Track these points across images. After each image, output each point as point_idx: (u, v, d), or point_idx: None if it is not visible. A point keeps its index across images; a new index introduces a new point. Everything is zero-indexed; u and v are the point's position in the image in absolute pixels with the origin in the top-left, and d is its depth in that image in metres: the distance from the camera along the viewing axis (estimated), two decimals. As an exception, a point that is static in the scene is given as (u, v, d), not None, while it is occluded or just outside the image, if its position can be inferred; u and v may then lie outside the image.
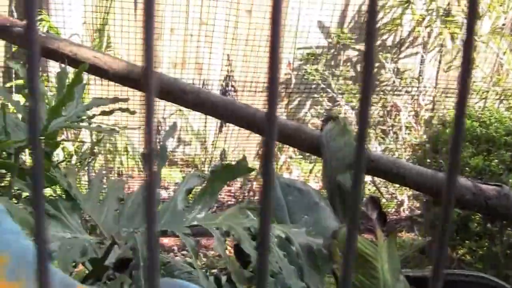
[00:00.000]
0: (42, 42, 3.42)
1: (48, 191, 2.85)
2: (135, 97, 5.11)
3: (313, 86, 7.01)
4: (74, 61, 3.35)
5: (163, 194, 5.67)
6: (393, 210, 6.25)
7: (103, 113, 3.03)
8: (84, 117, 3.07)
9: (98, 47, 6.49)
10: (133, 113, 3.16)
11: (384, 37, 7.23)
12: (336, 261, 2.26)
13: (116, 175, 5.98)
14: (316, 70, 6.83)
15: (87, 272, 2.72)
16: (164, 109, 6.54)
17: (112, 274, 3.10)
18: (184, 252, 5.07)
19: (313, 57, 7.06)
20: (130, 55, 6.31)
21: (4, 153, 2.73)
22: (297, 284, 1.97)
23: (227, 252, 2.57)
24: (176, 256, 4.98)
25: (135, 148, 6.24)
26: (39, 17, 5.91)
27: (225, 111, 3.48)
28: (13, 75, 6.57)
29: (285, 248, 2.14)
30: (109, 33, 6.65)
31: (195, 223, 2.31)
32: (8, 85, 6.19)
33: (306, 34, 6.98)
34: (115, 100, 3.15)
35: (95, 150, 4.77)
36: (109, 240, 2.24)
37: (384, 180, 5.73)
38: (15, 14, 6.53)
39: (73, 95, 2.72)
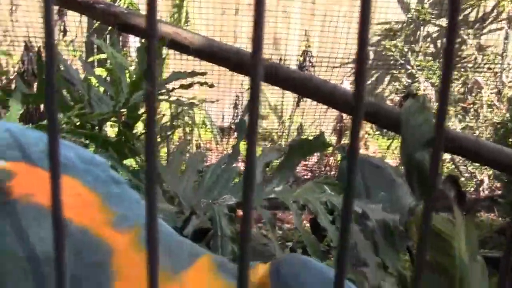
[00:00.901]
0: (124, 18, 3.50)
1: (130, 162, 2.94)
2: (213, 71, 5.19)
3: (392, 62, 6.91)
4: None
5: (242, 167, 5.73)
6: (472, 189, 6.12)
7: (182, 86, 3.10)
8: (163, 91, 3.15)
9: (177, 22, 6.58)
10: (211, 86, 3.21)
11: (466, 12, 7.04)
12: (412, 238, 2.25)
13: (194, 147, 6.09)
14: (395, 45, 6.72)
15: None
16: (242, 83, 6.59)
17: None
18: (260, 225, 5.13)
19: (391, 33, 6.95)
20: (209, 30, 6.39)
21: (88, 124, 2.83)
22: (372, 259, 1.98)
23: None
24: (252, 228, 5.05)
25: (213, 121, 6.33)
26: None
27: (303, 86, 3.49)
28: (95, 50, 6.76)
29: (361, 223, 2.15)
30: (187, 8, 6.73)
31: (273, 196, 2.35)
32: (90, 59, 6.37)
33: (385, 9, 6.87)
34: (193, 74, 3.20)
35: (174, 123, 4.87)
36: (188, 210, 2.30)
37: (463, 159, 5.63)
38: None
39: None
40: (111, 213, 0.64)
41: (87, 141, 3.19)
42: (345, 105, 3.31)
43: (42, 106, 4.50)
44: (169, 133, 4.24)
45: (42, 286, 0.59)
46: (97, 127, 2.79)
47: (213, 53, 3.43)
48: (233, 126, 6.37)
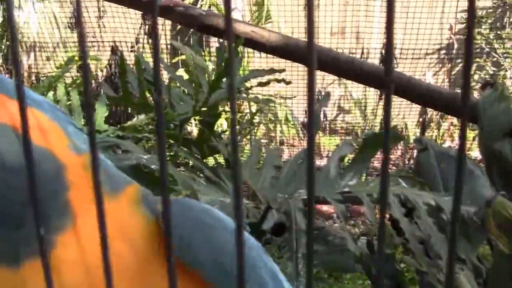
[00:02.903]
0: (202, 20, 3.61)
1: (211, 160, 3.04)
2: (292, 68, 5.23)
3: (477, 50, 6.75)
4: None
5: (323, 162, 5.76)
6: None
7: (260, 84, 3.17)
8: (242, 89, 3.23)
9: (258, 20, 6.67)
10: (288, 83, 3.27)
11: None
12: (489, 230, 2.23)
13: (277, 144, 6.16)
14: (480, 33, 6.56)
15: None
16: (323, 78, 6.60)
17: (269, 238, 3.25)
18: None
19: (476, 20, 6.78)
20: (289, 27, 6.43)
21: (170, 124, 2.94)
22: (447, 252, 1.98)
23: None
24: (335, 223, 5.07)
25: (295, 117, 6.37)
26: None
27: (381, 80, 3.49)
28: (179, 51, 6.95)
29: (435, 216, 2.15)
30: (268, 6, 6.80)
31: (347, 189, 2.38)
32: (174, 60, 6.54)
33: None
34: (271, 71, 3.26)
35: (254, 120, 4.95)
36: (265, 205, 2.37)
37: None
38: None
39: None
40: (69, 141, 0.77)
41: (170, 141, 3.32)
42: (420, 97, 3.29)
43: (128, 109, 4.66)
44: (250, 129, 4.32)
45: None
46: (178, 126, 2.90)
47: (289, 50, 3.48)
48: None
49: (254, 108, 5.77)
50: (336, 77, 6.24)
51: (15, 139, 0.73)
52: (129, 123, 2.48)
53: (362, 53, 6.70)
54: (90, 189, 0.79)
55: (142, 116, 2.52)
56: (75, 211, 0.74)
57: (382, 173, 0.35)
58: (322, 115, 6.37)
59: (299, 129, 6.33)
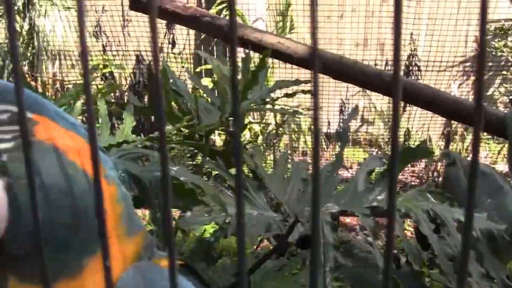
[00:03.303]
0: (227, 30, 3.60)
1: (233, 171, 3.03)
2: (321, 79, 5.20)
3: (502, 62, 6.69)
4: (258, 47, 3.50)
5: (347, 174, 5.73)
6: None
7: (286, 95, 3.16)
8: (268, 100, 3.23)
9: (282, 30, 6.67)
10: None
11: None
12: (520, 247, 2.20)
13: (300, 154, 6.14)
14: (506, 45, 6.51)
15: (271, 247, 2.87)
16: (347, 90, 6.58)
17: (295, 250, 3.24)
18: (366, 232, 5.11)
19: (501, 32, 6.73)
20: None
21: (196, 135, 2.95)
22: (476, 269, 1.96)
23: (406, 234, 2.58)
24: (358, 235, 5.04)
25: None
26: (223, 5, 6.20)
27: (405, 92, 3.46)
28: (203, 60, 6.96)
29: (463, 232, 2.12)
30: (292, 17, 6.80)
31: (375, 204, 2.36)
32: (198, 69, 6.56)
33: (494, 4, 6.66)
34: (297, 82, 3.26)
35: (279, 131, 4.94)
36: (292, 218, 2.36)
37: None
38: (203, 4, 6.91)
39: (258, 79, 2.87)
40: (104, 169, 0.82)
41: (195, 151, 3.32)
42: (446, 110, 3.26)
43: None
44: (274, 141, 4.31)
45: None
46: (204, 137, 2.89)
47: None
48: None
49: (277, 119, 5.78)
50: (359, 88, 6.22)
51: (63, 161, 0.76)
52: (156, 133, 2.48)
53: (386, 64, 6.67)
54: (112, 222, 0.81)
55: (169, 127, 2.52)
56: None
57: (389, 188, 0.34)
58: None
59: (322, 140, 6.31)
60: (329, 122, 6.64)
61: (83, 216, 0.77)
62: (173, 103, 2.86)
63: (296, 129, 5.93)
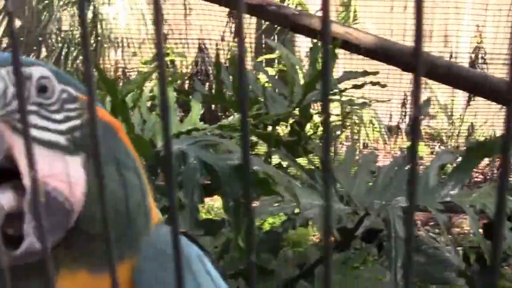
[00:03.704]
0: (295, 19, 3.56)
1: (302, 161, 2.99)
2: (383, 71, 5.12)
3: None
4: (326, 36, 3.44)
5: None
6: None
7: (355, 86, 3.09)
8: (335, 91, 3.17)
9: (345, 20, 6.58)
10: (383, 86, 3.19)
11: None
12: None
13: (361, 146, 6.07)
14: None
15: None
16: (410, 82, 6.45)
17: (359, 244, 3.19)
18: (427, 228, 5.01)
19: None
20: (377, 29, 6.31)
21: (260, 124, 2.91)
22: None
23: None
24: (419, 231, 4.94)
25: (381, 120, 6.25)
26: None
27: (476, 85, 3.36)
28: (263, 50, 6.93)
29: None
30: (355, 7, 6.71)
31: (448, 199, 2.29)
32: (259, 59, 6.53)
33: None
34: (365, 73, 3.19)
35: (345, 123, 4.88)
36: (362, 211, 2.31)
37: None
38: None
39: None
40: None
41: (259, 140, 3.29)
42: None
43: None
44: (339, 132, 4.26)
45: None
46: (270, 127, 2.86)
47: (385, 53, 3.39)
48: (401, 126, 6.26)
49: (337, 111, 5.71)
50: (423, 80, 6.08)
51: (117, 137, 0.79)
52: (224, 121, 2.46)
53: (451, 57, 6.51)
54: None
55: (238, 115, 2.50)
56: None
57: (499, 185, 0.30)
58: (408, 119, 6.23)
59: (384, 132, 6.21)
60: (391, 115, 6.54)
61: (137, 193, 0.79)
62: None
63: (357, 121, 5.84)
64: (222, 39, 6.86)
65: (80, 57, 6.96)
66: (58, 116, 0.74)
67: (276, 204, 2.23)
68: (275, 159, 2.86)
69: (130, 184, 0.77)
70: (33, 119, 0.72)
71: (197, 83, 3.04)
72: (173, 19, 7.00)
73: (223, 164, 1.79)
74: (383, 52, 3.40)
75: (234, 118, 2.47)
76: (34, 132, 0.71)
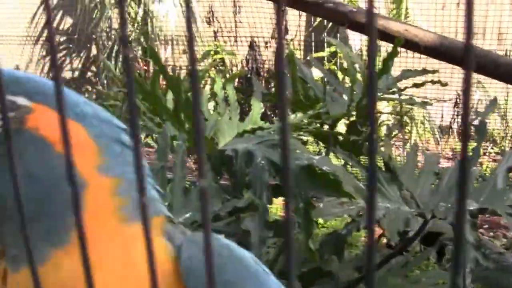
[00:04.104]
0: (352, 17, 3.51)
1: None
2: (444, 69, 5.02)
3: None
4: (384, 35, 3.38)
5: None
6: None
7: (415, 85, 3.03)
8: (394, 89, 3.11)
9: (396, 17, 6.48)
10: (444, 85, 3.11)
11: None
12: None
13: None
14: None
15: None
16: (459, 81, 6.31)
17: (418, 246, 3.12)
18: (481, 231, 4.90)
19: None
20: (430, 26, 6.20)
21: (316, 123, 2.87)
22: None
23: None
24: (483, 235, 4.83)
25: (432, 120, 6.15)
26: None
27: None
28: (312, 48, 6.88)
29: None
30: (407, 4, 6.60)
31: (517, 202, 2.22)
32: (308, 57, 6.47)
33: None
34: (424, 72, 3.13)
35: (402, 122, 4.80)
36: (428, 214, 2.24)
37: None
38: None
39: (389, 68, 2.76)
40: (102, 161, 0.80)
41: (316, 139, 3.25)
42: None
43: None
44: (395, 132, 4.18)
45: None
46: (330, 126, 2.82)
47: (446, 51, 3.32)
48: (453, 126, 6.14)
49: (388, 109, 5.63)
50: (475, 79, 5.97)
51: (47, 150, 0.78)
52: (293, 120, 2.43)
53: (506, 54, 6.36)
54: (104, 214, 0.80)
55: (300, 114, 2.46)
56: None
57: None
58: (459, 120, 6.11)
59: (435, 132, 6.10)
60: (442, 115, 6.42)
61: (54, 204, 0.78)
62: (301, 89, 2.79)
63: (408, 121, 5.75)
64: (272, 37, 6.83)
65: (130, 55, 7.00)
66: None
67: (339, 206, 2.19)
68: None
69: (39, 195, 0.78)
70: None
71: (255, 81, 3.01)
72: (222, 17, 7.00)
73: (291, 164, 1.76)
74: (444, 50, 3.32)
75: (296, 117, 2.43)
76: None
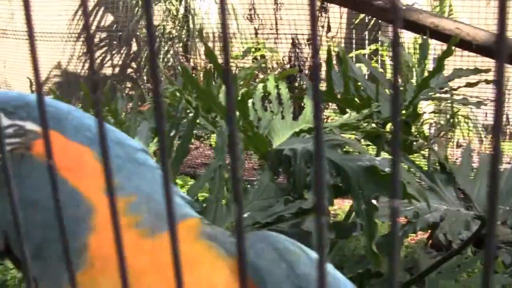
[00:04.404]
0: (403, 15, 3.45)
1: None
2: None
3: None
4: (434, 33, 3.33)
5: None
6: None
7: (469, 85, 2.98)
8: (446, 89, 3.06)
9: (440, 14, 6.39)
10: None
11: None
12: None
13: (454, 146, 5.89)
14: None
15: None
16: (508, 80, 6.21)
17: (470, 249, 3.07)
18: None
19: None
20: (473, 24, 6.09)
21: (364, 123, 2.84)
22: None
23: None
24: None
25: (477, 119, 6.05)
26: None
27: None
28: (353, 45, 6.81)
29: None
30: (450, 1, 6.50)
31: None
32: (350, 55, 6.42)
33: None
34: (476, 71, 3.07)
35: (453, 122, 4.74)
36: (485, 216, 2.20)
37: None
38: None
39: (443, 67, 2.71)
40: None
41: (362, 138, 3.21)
42: None
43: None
44: (443, 132, 4.13)
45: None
46: (382, 126, 2.78)
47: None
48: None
49: (430, 107, 5.56)
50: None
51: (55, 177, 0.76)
52: (340, 120, 2.40)
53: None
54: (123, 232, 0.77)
55: (353, 113, 2.43)
56: (93, 255, 0.78)
57: None
58: (505, 119, 6.01)
59: (480, 131, 6.00)
60: (486, 113, 6.31)
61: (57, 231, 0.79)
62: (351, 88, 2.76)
63: (451, 120, 5.66)
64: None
65: (171, 52, 7.04)
66: None
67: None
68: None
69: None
70: None
71: (306, 80, 2.98)
72: (262, 14, 6.97)
73: (353, 165, 1.73)
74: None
75: (350, 116, 2.40)
76: None
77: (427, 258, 2.67)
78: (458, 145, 6.00)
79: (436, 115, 5.78)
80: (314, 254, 0.83)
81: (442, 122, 6.00)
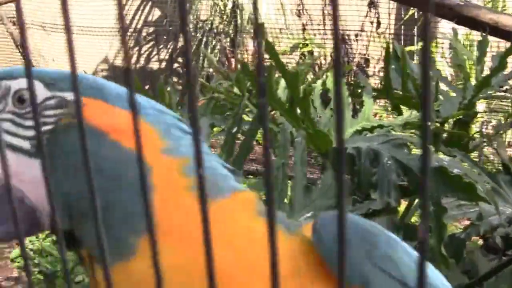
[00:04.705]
0: (460, 10, 3.39)
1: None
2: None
3: None
4: (494, 29, 3.25)
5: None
6: None
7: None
8: (506, 87, 2.99)
9: (494, 8, 6.26)
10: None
11: None
12: None
13: (506, 146, 5.77)
14: None
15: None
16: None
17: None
18: None
19: None
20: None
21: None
22: None
23: None
24: None
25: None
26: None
27: None
28: (402, 41, 6.72)
29: None
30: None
31: None
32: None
33: None
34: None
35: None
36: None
37: None
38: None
39: (505, 65, 2.65)
40: (164, 143, 0.82)
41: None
42: None
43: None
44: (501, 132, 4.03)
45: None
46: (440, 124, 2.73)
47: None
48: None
49: (482, 105, 5.45)
50: None
51: (101, 140, 0.80)
52: (400, 118, 2.36)
53: None
54: (179, 192, 0.80)
55: (414, 112, 2.39)
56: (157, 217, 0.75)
57: None
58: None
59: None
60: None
61: (119, 194, 0.79)
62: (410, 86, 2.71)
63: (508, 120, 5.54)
64: (362, 30, 6.72)
65: (218, 46, 7.05)
66: (29, 123, 0.83)
67: (457, 208, 2.11)
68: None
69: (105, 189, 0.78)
70: (7, 125, 0.83)
71: (362, 77, 2.94)
72: (310, 10, 6.93)
73: (418, 165, 1.69)
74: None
75: (411, 115, 2.35)
76: (4, 137, 0.79)
77: (486, 261, 2.60)
78: (510, 145, 5.88)
79: (487, 113, 5.68)
80: (395, 236, 0.82)
81: (492, 121, 5.88)
